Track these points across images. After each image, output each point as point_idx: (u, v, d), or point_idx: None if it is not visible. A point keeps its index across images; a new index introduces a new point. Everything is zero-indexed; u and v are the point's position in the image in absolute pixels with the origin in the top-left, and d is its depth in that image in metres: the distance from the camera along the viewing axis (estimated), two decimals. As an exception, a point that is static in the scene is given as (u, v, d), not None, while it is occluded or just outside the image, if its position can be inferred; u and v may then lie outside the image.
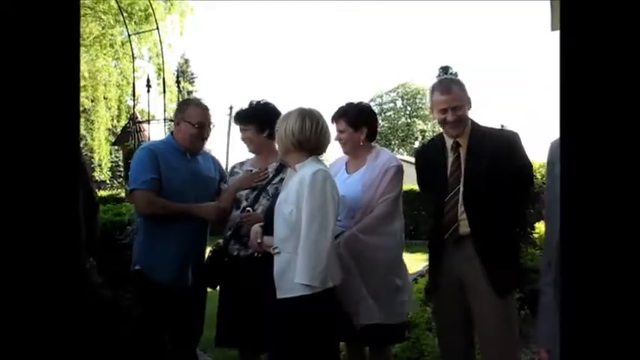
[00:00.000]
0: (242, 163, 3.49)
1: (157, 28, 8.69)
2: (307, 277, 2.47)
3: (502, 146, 2.93)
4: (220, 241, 3.29)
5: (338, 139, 3.23)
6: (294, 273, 2.51)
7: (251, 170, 3.38)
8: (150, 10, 11.53)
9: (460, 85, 2.99)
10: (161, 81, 11.65)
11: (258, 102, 3.38)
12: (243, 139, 3.36)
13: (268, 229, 2.74)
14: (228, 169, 3.60)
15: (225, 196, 3.32)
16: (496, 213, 2.86)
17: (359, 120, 3.21)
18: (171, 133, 3.36)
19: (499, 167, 2.87)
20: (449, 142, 3.03)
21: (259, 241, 2.78)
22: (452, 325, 3.03)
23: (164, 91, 9.69)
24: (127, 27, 10.01)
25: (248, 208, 3.20)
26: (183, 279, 3.19)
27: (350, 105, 3.29)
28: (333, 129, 3.09)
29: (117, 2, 10.31)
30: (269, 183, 3.27)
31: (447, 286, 3.01)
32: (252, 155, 3.51)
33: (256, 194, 3.25)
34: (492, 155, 2.90)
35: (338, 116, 3.23)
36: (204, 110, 3.31)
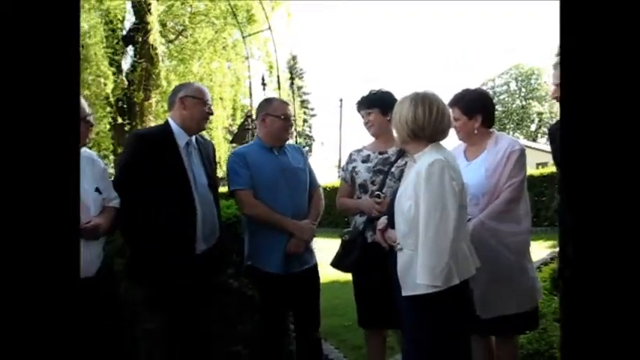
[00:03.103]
0: (359, 150, 3.54)
1: (270, 28, 8.96)
2: (428, 278, 2.34)
3: None
4: (351, 229, 3.36)
5: (452, 127, 3.18)
6: (417, 271, 2.39)
7: (368, 155, 3.44)
8: (253, 11, 11.92)
9: None
10: (272, 78, 11.98)
11: (379, 90, 3.46)
12: (366, 122, 3.44)
13: (392, 222, 2.64)
14: (344, 159, 3.67)
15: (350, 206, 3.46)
16: None
17: (473, 107, 3.14)
18: (257, 136, 3.55)
19: None
20: None
21: (384, 235, 2.71)
22: None
23: (279, 88, 10.00)
24: (241, 30, 10.40)
25: (377, 193, 3.26)
26: (290, 267, 3.33)
27: (465, 91, 3.23)
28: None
29: (230, 7, 10.72)
30: (392, 165, 3.30)
31: None
32: (368, 142, 3.59)
33: (382, 178, 3.30)
34: None
35: (452, 104, 3.16)
36: (287, 104, 3.57)
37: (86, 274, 2.68)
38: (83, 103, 2.81)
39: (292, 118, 3.51)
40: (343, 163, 3.70)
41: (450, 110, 3.13)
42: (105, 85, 10.72)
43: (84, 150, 2.87)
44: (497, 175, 3.03)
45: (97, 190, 2.83)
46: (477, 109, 3.16)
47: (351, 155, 3.56)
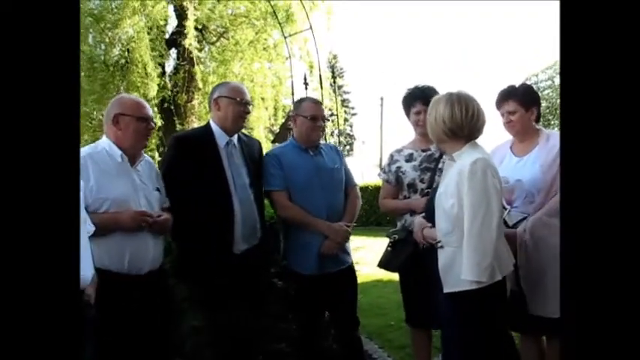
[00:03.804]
0: (399, 150, 3.52)
1: (310, 28, 8.99)
2: (474, 274, 2.38)
3: None
4: (400, 229, 3.32)
5: (507, 121, 3.10)
6: (460, 267, 2.43)
7: (411, 154, 3.42)
8: (293, 11, 12.00)
9: None
10: (312, 78, 12.00)
11: (423, 86, 3.44)
12: (417, 120, 3.40)
13: (431, 220, 2.68)
14: (386, 158, 3.65)
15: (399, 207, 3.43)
16: None
17: (530, 99, 3.08)
18: (292, 136, 3.57)
19: None
20: None
21: (423, 233, 2.74)
22: None
23: (321, 87, 10.01)
24: (282, 30, 10.47)
25: (427, 190, 3.22)
26: (325, 268, 3.33)
27: (512, 86, 3.16)
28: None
29: (272, 7, 10.81)
30: (438, 162, 3.27)
31: None
32: (407, 141, 3.57)
33: (431, 175, 3.26)
34: None
35: (506, 97, 3.10)
36: (317, 104, 3.55)
37: (152, 268, 2.77)
38: (146, 105, 2.91)
39: (323, 118, 3.49)
40: (384, 162, 3.67)
41: (502, 106, 3.09)
42: (150, 87, 10.95)
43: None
44: (553, 172, 2.92)
45: (157, 189, 2.91)
46: (533, 101, 3.09)
47: (392, 156, 3.54)
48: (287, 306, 3.68)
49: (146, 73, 11.09)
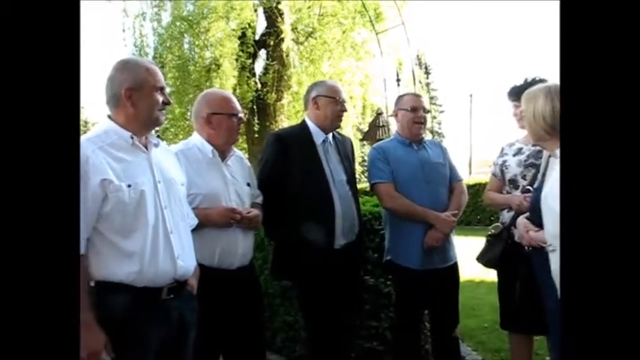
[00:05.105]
0: (511, 144, 3.45)
1: (403, 24, 8.95)
2: None
3: None
4: (499, 224, 3.27)
5: None
6: None
7: (520, 148, 3.34)
8: (381, 9, 11.97)
9: None
10: (402, 75, 11.92)
11: (534, 79, 3.30)
12: (516, 113, 3.33)
13: (537, 221, 2.53)
14: (475, 156, 3.59)
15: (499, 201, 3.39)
16: None
17: None
18: (397, 131, 3.60)
19: None
20: None
21: (529, 235, 2.61)
22: None
23: (414, 84, 9.97)
24: (373, 27, 10.49)
25: (528, 187, 3.12)
26: (431, 263, 3.29)
27: None
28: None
29: (363, 5, 10.84)
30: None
31: None
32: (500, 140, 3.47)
33: (534, 172, 3.14)
34: None
35: None
36: (417, 97, 3.64)
37: (242, 263, 2.81)
38: (234, 99, 2.96)
39: (424, 109, 3.50)
40: (475, 160, 3.61)
41: None
42: (234, 90, 11.26)
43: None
44: None
45: (248, 184, 2.95)
46: None
47: (502, 149, 3.48)
48: (379, 304, 3.66)
49: (227, 77, 11.43)
